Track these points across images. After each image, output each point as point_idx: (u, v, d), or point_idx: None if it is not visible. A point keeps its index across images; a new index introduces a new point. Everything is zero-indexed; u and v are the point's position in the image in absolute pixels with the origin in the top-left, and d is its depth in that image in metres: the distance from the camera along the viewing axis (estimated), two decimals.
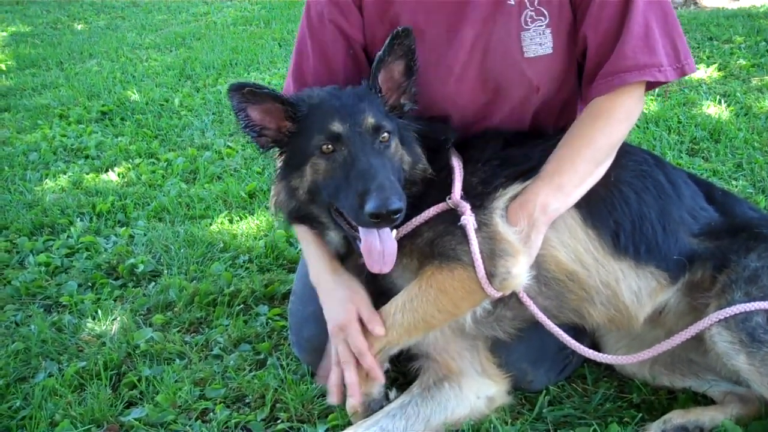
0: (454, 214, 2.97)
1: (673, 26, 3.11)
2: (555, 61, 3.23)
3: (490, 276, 2.88)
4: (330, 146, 2.89)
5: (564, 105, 3.45)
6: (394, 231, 2.89)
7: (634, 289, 3.07)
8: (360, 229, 2.84)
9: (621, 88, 3.06)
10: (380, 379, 3.05)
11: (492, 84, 3.26)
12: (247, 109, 2.97)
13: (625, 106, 3.12)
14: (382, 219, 2.68)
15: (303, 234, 3.30)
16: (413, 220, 2.99)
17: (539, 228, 2.98)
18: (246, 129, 3.01)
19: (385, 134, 2.96)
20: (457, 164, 3.13)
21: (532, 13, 3.14)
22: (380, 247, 2.81)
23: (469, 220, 2.91)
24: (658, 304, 3.14)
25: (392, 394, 3.22)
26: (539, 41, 3.16)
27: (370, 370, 3.00)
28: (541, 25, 3.14)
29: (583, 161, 3.02)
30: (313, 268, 3.29)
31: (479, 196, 3.03)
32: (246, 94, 2.93)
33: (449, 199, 3.00)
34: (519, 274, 2.91)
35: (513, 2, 3.12)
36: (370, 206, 2.66)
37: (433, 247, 2.97)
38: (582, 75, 3.28)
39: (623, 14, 3.02)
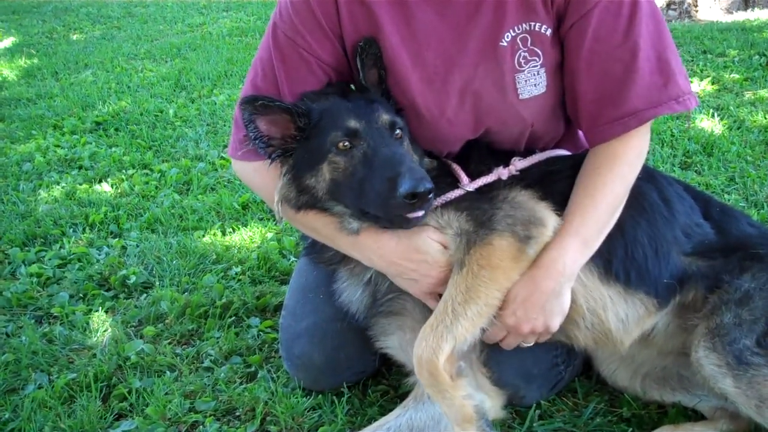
0: (471, 198, 2.98)
1: (673, 47, 3.02)
2: (548, 98, 3.14)
3: (527, 239, 2.88)
4: (347, 143, 2.85)
5: (556, 130, 3.40)
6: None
7: (621, 316, 3.04)
8: None
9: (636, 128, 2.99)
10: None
11: (485, 125, 3.18)
12: (256, 121, 2.94)
13: (637, 146, 3.03)
14: (418, 198, 2.65)
15: (312, 218, 3.12)
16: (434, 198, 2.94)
17: (568, 285, 2.93)
18: (255, 141, 2.97)
19: (399, 131, 2.95)
20: (451, 162, 3.15)
21: (526, 54, 3.03)
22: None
23: (504, 171, 3.01)
24: (645, 329, 3.12)
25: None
26: (534, 82, 3.06)
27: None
28: (536, 65, 3.04)
29: (604, 211, 2.95)
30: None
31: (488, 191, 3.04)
32: (258, 107, 2.89)
33: (461, 185, 3.02)
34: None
35: (505, 43, 3.00)
36: (405, 186, 2.62)
37: (460, 228, 2.94)
38: (573, 107, 3.16)
39: (629, 49, 2.91)
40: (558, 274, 2.88)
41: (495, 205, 2.95)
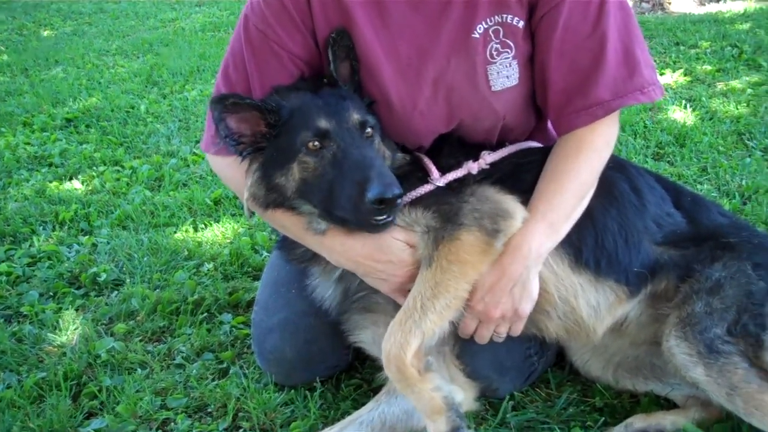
0: (438, 194, 2.97)
1: (641, 40, 3.04)
2: (520, 91, 3.15)
3: (495, 233, 2.87)
4: (317, 143, 2.83)
5: (528, 123, 3.40)
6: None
7: (593, 303, 3.05)
8: None
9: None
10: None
11: (458, 117, 3.17)
12: (227, 119, 2.91)
13: (605, 134, 3.05)
14: (386, 204, 2.65)
15: (281, 216, 3.10)
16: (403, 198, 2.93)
17: (536, 269, 2.95)
18: (226, 139, 2.94)
19: (369, 129, 2.93)
20: (422, 156, 3.14)
21: (498, 46, 3.02)
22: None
23: (474, 165, 3.02)
24: (618, 317, 3.13)
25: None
26: (506, 74, 3.06)
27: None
28: (508, 57, 3.04)
29: (571, 196, 2.97)
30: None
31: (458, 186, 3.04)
32: (229, 105, 2.87)
33: (431, 179, 3.01)
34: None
35: (478, 35, 3.00)
36: (374, 192, 2.62)
37: (427, 225, 2.93)
38: (543, 98, 3.17)
39: (597, 40, 2.93)
40: (524, 258, 2.88)
41: (462, 200, 2.94)
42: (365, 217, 2.74)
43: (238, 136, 2.95)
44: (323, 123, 2.85)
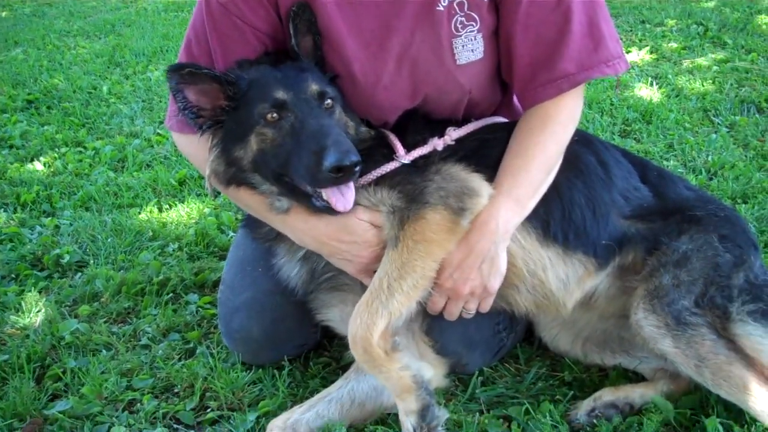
0: (403, 173, 2.94)
1: (606, 13, 3.03)
2: (486, 64, 3.13)
3: (461, 211, 2.85)
4: (275, 114, 2.80)
5: (493, 97, 3.38)
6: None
7: (562, 277, 3.05)
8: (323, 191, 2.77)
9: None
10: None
11: (423, 92, 3.14)
12: (184, 90, 2.87)
13: (570, 108, 3.05)
14: (344, 172, 2.61)
15: (243, 194, 3.08)
16: (365, 177, 2.93)
17: (503, 245, 2.93)
18: (184, 111, 2.90)
19: (329, 101, 2.89)
20: (387, 132, 3.11)
21: (463, 19, 2.99)
22: (341, 195, 2.75)
23: (439, 142, 3.01)
24: (587, 290, 3.13)
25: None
26: (471, 47, 3.04)
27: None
28: (473, 31, 3.01)
29: (537, 170, 2.95)
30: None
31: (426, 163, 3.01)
32: (185, 75, 2.83)
33: (396, 156, 2.98)
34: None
35: (442, 8, 2.96)
36: (330, 160, 2.58)
37: (392, 205, 2.90)
38: (508, 71, 3.15)
39: (561, 13, 2.91)
40: (491, 233, 2.87)
41: (427, 178, 2.92)
42: (323, 186, 2.72)
43: (198, 110, 2.92)
44: (280, 94, 2.82)
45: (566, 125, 3.04)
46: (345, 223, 2.89)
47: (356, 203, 2.88)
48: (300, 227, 2.99)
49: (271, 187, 2.93)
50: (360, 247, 2.93)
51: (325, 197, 2.75)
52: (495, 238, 2.88)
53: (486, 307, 3.06)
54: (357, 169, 2.65)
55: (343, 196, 2.74)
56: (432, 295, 2.98)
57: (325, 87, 2.90)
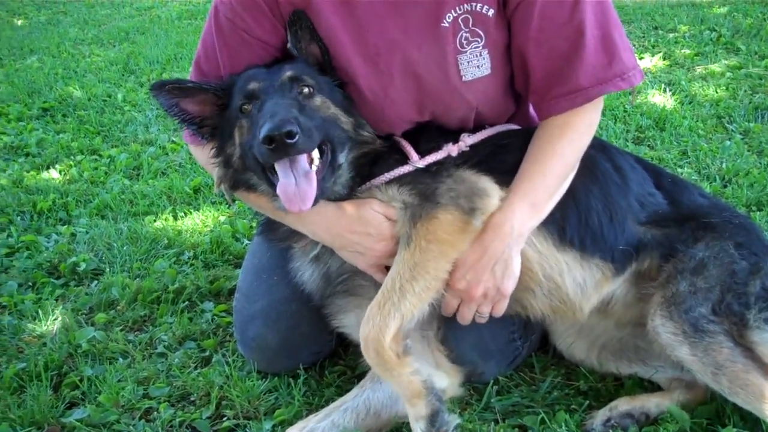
0: (416, 174, 2.96)
1: (619, 24, 3.02)
2: (494, 80, 3.12)
3: (472, 211, 2.86)
4: (248, 105, 2.85)
5: (503, 111, 3.37)
6: (313, 167, 2.75)
7: (579, 281, 3.05)
8: (278, 171, 2.72)
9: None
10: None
11: (429, 107, 3.15)
12: (180, 104, 2.94)
13: (588, 117, 3.04)
14: (276, 143, 2.55)
15: (251, 197, 3.12)
16: (378, 178, 2.96)
17: (517, 248, 2.93)
18: (185, 123, 2.99)
19: (306, 88, 2.89)
20: (401, 139, 3.12)
21: (468, 35, 2.99)
22: (295, 183, 2.68)
23: (454, 147, 3.01)
24: (604, 296, 3.13)
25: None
26: (477, 63, 3.04)
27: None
28: (478, 47, 3.01)
29: (553, 176, 2.95)
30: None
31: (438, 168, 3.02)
32: (170, 90, 2.90)
33: (410, 161, 3.00)
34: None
35: (447, 24, 2.97)
36: (262, 131, 2.55)
37: (404, 201, 2.91)
38: (524, 84, 3.15)
39: (574, 27, 2.90)
40: (506, 235, 2.87)
41: (438, 180, 2.93)
42: (266, 161, 2.70)
43: (200, 119, 3.00)
44: (252, 84, 2.87)
45: (583, 134, 3.04)
46: (360, 215, 2.92)
47: (371, 196, 2.93)
48: (313, 219, 2.99)
49: (268, 188, 2.94)
50: (373, 239, 2.95)
51: (282, 199, 2.71)
52: (509, 240, 2.88)
53: (500, 311, 3.06)
54: (293, 140, 2.57)
55: (298, 195, 2.68)
56: (445, 296, 2.98)
57: (300, 74, 2.91)
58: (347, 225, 2.91)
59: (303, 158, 2.71)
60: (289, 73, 2.89)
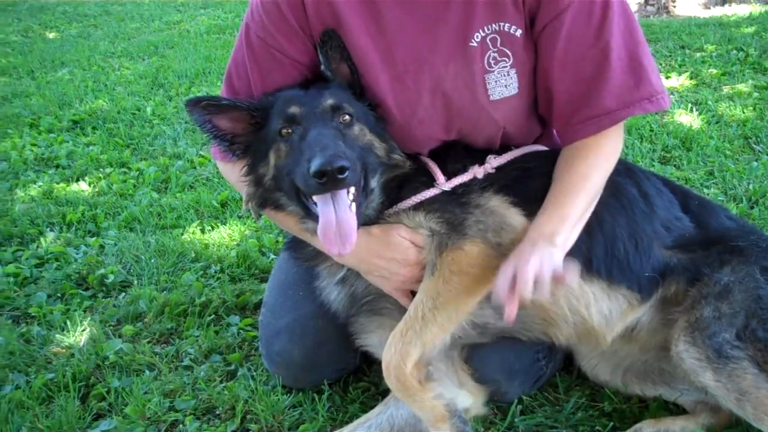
0: (443, 200, 2.96)
1: (646, 46, 3.01)
2: (521, 100, 3.12)
3: (499, 246, 2.86)
4: (288, 129, 2.86)
5: (530, 132, 3.37)
6: (353, 205, 2.75)
7: (605, 312, 3.04)
8: (318, 204, 2.74)
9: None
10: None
11: (457, 126, 3.16)
12: (213, 120, 2.96)
13: (613, 140, 3.04)
14: (327, 178, 2.56)
15: (278, 215, 3.14)
16: (405, 202, 2.97)
17: (552, 251, 2.74)
18: (216, 140, 3.01)
19: (347, 116, 2.91)
20: (428, 160, 3.13)
21: (496, 55, 3.00)
22: (335, 223, 2.68)
23: (480, 170, 3.01)
24: (629, 323, 3.12)
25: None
26: (505, 83, 3.04)
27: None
28: (506, 66, 3.01)
29: (582, 195, 2.92)
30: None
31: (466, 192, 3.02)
32: (205, 107, 2.92)
33: (436, 184, 3.00)
34: None
35: (475, 44, 2.98)
36: (314, 165, 2.56)
37: (432, 228, 2.91)
38: (547, 108, 3.15)
39: (600, 49, 2.90)
40: (532, 242, 2.76)
41: (466, 210, 2.93)
42: (315, 192, 2.70)
43: (232, 136, 3.01)
44: (293, 108, 2.88)
45: (609, 156, 3.03)
46: (386, 240, 2.93)
47: (398, 221, 2.94)
48: None
49: (296, 207, 2.97)
50: (399, 264, 2.96)
51: (321, 240, 2.71)
52: (536, 246, 2.75)
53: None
54: (343, 176, 2.59)
55: (339, 238, 2.69)
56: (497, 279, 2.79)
57: (341, 102, 2.93)
58: (374, 250, 2.93)
59: (344, 191, 2.73)
60: (330, 101, 2.90)
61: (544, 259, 2.68)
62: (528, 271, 2.63)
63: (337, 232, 2.69)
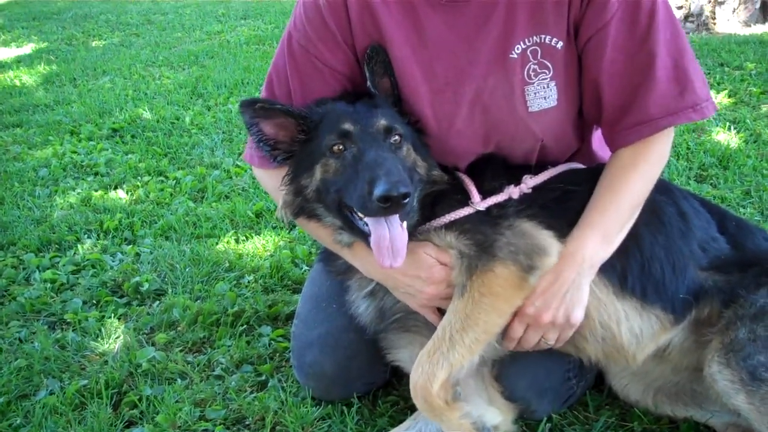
0: (476, 220, 2.97)
1: (691, 54, 3.00)
2: (560, 112, 3.13)
3: (530, 269, 2.86)
4: (341, 146, 2.87)
5: (567, 146, 3.39)
6: (404, 222, 2.81)
7: (636, 331, 3.02)
8: (369, 222, 2.78)
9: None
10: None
11: (495, 138, 3.18)
12: (260, 124, 2.99)
13: (659, 148, 3.05)
14: (391, 202, 2.61)
15: (312, 226, 3.18)
16: (438, 220, 2.98)
17: (588, 279, 2.93)
18: (260, 144, 3.03)
19: (397, 137, 2.94)
20: (464, 176, 3.15)
21: (536, 67, 3.02)
22: (389, 239, 2.74)
23: (515, 190, 3.02)
24: (661, 345, 3.10)
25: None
26: (544, 95, 3.06)
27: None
28: (546, 78, 3.03)
29: (625, 207, 2.96)
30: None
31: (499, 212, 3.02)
32: (257, 109, 2.95)
33: (471, 203, 3.01)
34: None
35: (516, 56, 3.00)
36: (379, 190, 2.59)
37: (461, 250, 2.92)
38: (596, 115, 3.17)
39: (645, 57, 2.91)
40: (578, 265, 2.88)
41: (498, 231, 2.94)
42: (375, 215, 2.73)
43: (274, 142, 3.03)
44: (347, 126, 2.89)
45: (654, 164, 3.05)
46: (412, 258, 2.92)
47: (427, 240, 2.95)
48: (367, 258, 3.04)
49: (333, 219, 3.00)
50: (423, 282, 2.97)
51: (374, 252, 2.77)
52: (581, 269, 2.89)
53: (564, 338, 3.05)
54: (406, 201, 2.64)
55: (391, 252, 2.75)
56: (512, 322, 2.97)
57: (393, 123, 2.96)
58: (399, 267, 2.95)
59: None
60: (383, 122, 2.91)
61: (567, 298, 2.89)
62: (543, 322, 2.95)
63: (390, 246, 2.74)
